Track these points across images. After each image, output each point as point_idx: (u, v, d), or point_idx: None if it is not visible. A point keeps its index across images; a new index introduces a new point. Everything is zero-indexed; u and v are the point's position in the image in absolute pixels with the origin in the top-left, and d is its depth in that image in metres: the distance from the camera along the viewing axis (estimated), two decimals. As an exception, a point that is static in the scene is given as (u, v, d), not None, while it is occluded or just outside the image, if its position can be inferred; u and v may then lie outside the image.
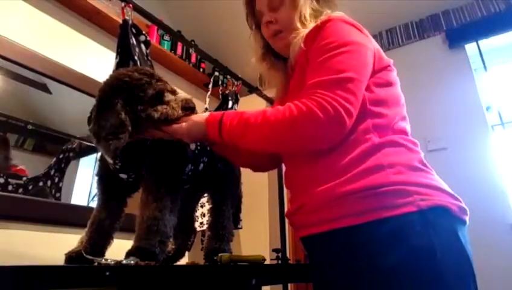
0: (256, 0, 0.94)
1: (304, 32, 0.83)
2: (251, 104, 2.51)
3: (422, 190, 0.67)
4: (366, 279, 0.66)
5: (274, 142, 0.75)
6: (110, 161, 0.86)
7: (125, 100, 0.77)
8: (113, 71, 1.29)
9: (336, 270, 0.72)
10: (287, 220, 0.91)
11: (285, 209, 1.86)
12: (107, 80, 0.83)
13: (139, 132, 0.81)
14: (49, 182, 1.61)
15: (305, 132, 0.70)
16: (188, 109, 0.82)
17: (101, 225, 0.89)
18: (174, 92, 0.85)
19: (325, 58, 0.74)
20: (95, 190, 0.95)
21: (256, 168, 1.06)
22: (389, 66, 0.81)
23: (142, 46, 1.38)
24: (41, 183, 1.57)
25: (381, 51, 0.82)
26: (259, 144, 0.78)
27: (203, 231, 1.98)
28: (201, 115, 0.83)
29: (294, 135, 0.72)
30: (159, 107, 0.79)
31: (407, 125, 0.79)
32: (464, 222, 0.71)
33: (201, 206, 2.03)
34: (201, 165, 1.01)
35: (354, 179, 0.69)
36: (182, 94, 0.86)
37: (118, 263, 0.72)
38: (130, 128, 0.76)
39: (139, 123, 0.79)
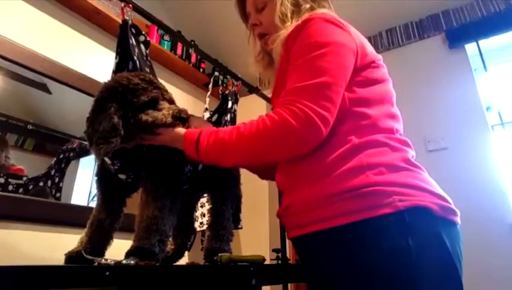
0: (246, 2, 0.94)
1: (284, 33, 0.81)
2: (251, 104, 2.52)
3: (402, 190, 0.66)
4: (345, 281, 0.66)
5: (251, 156, 0.75)
6: (108, 162, 0.86)
7: (118, 103, 0.77)
8: (113, 72, 1.29)
9: (319, 272, 0.73)
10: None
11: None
12: (108, 81, 0.82)
13: (129, 138, 0.80)
14: (49, 182, 1.61)
15: (279, 142, 0.71)
16: (179, 119, 0.80)
17: (100, 225, 0.89)
18: (171, 102, 0.84)
19: (303, 61, 0.73)
20: (95, 190, 0.95)
21: (260, 175, 1.07)
22: (374, 62, 0.78)
23: (142, 46, 1.38)
24: (41, 183, 1.57)
25: (366, 46, 0.80)
26: (238, 160, 0.78)
27: (203, 231, 1.98)
28: (180, 130, 0.81)
29: (269, 146, 0.72)
30: (149, 111, 0.78)
31: (395, 124, 0.77)
32: (451, 222, 0.69)
33: (201, 206, 2.03)
34: (200, 165, 1.01)
35: (334, 181, 0.69)
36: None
37: (118, 263, 0.73)
38: (122, 132, 0.75)
39: (129, 129, 0.78)
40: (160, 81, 0.96)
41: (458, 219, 0.70)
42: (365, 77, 0.76)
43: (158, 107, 0.80)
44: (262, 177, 1.08)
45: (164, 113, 0.79)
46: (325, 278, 0.71)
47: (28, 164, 1.58)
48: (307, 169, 0.74)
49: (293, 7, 0.84)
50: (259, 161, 0.82)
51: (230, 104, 1.89)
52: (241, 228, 1.89)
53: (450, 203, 0.70)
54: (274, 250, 1.60)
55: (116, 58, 1.29)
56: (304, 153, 0.73)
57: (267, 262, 1.09)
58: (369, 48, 0.80)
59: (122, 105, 0.78)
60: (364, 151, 0.70)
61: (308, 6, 0.85)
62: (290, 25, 0.81)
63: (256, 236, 2.39)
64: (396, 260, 0.62)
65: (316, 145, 0.71)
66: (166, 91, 0.85)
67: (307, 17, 0.78)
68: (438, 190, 0.71)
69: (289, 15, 0.83)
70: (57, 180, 1.65)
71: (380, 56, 0.82)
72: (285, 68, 0.79)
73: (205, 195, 1.29)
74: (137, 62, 1.28)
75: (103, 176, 0.92)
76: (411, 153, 0.74)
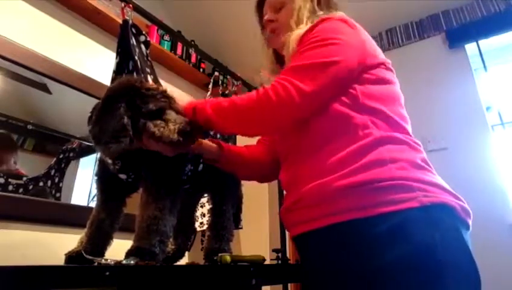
0: (264, 5, 0.99)
1: (298, 32, 0.84)
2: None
3: (425, 187, 0.66)
4: (365, 275, 0.64)
5: (235, 122, 0.82)
6: (109, 161, 0.86)
7: (127, 104, 0.77)
8: (113, 72, 1.29)
9: (335, 268, 0.69)
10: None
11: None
12: (121, 80, 0.83)
13: (136, 140, 0.80)
14: (49, 182, 1.61)
15: (259, 113, 0.77)
16: (185, 134, 0.79)
17: (100, 225, 0.89)
18: (178, 112, 0.84)
19: (305, 49, 0.77)
20: (95, 190, 0.95)
21: (260, 179, 1.09)
22: (383, 64, 0.80)
23: (142, 46, 1.38)
24: (41, 184, 1.57)
25: (376, 48, 0.82)
26: (226, 124, 0.83)
27: (203, 231, 1.98)
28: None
29: (252, 116, 0.78)
30: (158, 122, 0.79)
31: (407, 125, 0.79)
32: (467, 226, 0.69)
33: (201, 206, 2.03)
34: (201, 165, 1.01)
35: (355, 172, 0.68)
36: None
37: (118, 263, 0.73)
38: (131, 133, 0.76)
39: (135, 132, 0.79)
40: (160, 81, 0.96)
41: (470, 222, 0.70)
42: (376, 76, 0.78)
43: (164, 117, 0.80)
44: (261, 180, 1.10)
45: (170, 128, 0.78)
46: (341, 276, 0.68)
47: (28, 164, 1.58)
48: (322, 160, 0.73)
49: (309, 13, 0.89)
50: (242, 129, 0.86)
51: (230, 104, 1.89)
52: (241, 228, 1.89)
53: (466, 204, 0.70)
54: (274, 250, 1.60)
55: (116, 58, 1.29)
56: (283, 125, 0.79)
57: (267, 262, 1.09)
58: (379, 51, 0.83)
59: (130, 107, 0.78)
60: (385, 145, 0.70)
61: (322, 13, 0.89)
62: (304, 26, 0.85)
63: (256, 236, 2.39)
64: (421, 255, 0.61)
65: (290, 115, 0.75)
66: (175, 101, 0.85)
67: (325, 16, 0.83)
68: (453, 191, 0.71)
69: (305, 20, 0.88)
70: (56, 180, 1.64)
71: (389, 60, 0.83)
72: None
73: (205, 195, 1.29)
74: (138, 62, 1.28)
75: (103, 176, 0.92)
76: (425, 155, 0.75)
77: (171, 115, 0.81)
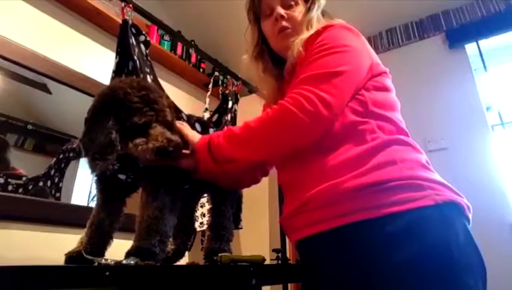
0: None
1: (304, 36, 0.84)
2: (251, 104, 2.51)
3: (434, 186, 0.67)
4: (378, 276, 0.63)
5: (260, 146, 0.77)
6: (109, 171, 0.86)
7: (115, 117, 0.76)
8: (113, 72, 1.29)
9: (345, 271, 0.68)
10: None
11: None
12: (107, 88, 0.81)
13: (123, 150, 0.79)
14: (49, 182, 1.61)
15: (283, 130, 0.73)
16: (164, 154, 0.76)
17: (100, 225, 0.88)
18: (167, 123, 0.81)
19: (317, 57, 0.76)
20: (94, 190, 0.95)
21: (241, 186, 1.07)
22: (385, 72, 0.83)
23: (142, 46, 1.38)
24: (41, 184, 1.57)
25: (378, 58, 0.84)
26: (250, 153, 0.78)
27: (203, 231, 1.98)
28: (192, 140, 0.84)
29: (273, 134, 0.74)
30: (138, 141, 0.76)
31: (405, 129, 0.80)
32: (469, 221, 0.70)
33: (201, 206, 2.03)
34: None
35: (365, 173, 0.68)
36: (187, 129, 0.85)
37: (118, 263, 0.73)
38: (118, 147, 0.75)
39: (123, 143, 0.77)
40: (160, 81, 0.95)
41: (470, 217, 0.72)
42: (381, 83, 0.80)
43: (149, 132, 0.77)
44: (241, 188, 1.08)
45: (148, 147, 0.75)
46: (352, 279, 0.66)
47: (27, 164, 1.58)
48: (330, 163, 0.73)
49: (317, 19, 0.90)
50: (269, 152, 0.81)
51: (230, 104, 1.89)
52: (241, 228, 1.89)
53: (466, 200, 0.72)
54: (274, 250, 1.60)
55: (116, 58, 1.29)
56: (309, 141, 0.74)
57: (267, 262, 1.09)
58: (379, 60, 0.85)
59: (117, 119, 0.76)
60: (392, 146, 0.71)
61: (324, 21, 0.91)
62: (311, 30, 0.86)
63: (256, 236, 2.39)
64: (437, 254, 0.61)
65: (319, 129, 0.73)
66: (164, 111, 0.81)
67: (328, 23, 0.83)
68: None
69: (314, 24, 0.88)
70: (56, 180, 1.65)
71: (387, 69, 0.85)
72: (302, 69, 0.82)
73: (205, 195, 1.29)
74: (138, 62, 1.28)
75: (102, 176, 0.92)
76: (425, 156, 0.77)
77: (155, 130, 0.77)
